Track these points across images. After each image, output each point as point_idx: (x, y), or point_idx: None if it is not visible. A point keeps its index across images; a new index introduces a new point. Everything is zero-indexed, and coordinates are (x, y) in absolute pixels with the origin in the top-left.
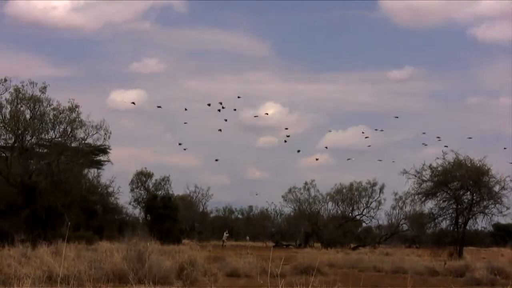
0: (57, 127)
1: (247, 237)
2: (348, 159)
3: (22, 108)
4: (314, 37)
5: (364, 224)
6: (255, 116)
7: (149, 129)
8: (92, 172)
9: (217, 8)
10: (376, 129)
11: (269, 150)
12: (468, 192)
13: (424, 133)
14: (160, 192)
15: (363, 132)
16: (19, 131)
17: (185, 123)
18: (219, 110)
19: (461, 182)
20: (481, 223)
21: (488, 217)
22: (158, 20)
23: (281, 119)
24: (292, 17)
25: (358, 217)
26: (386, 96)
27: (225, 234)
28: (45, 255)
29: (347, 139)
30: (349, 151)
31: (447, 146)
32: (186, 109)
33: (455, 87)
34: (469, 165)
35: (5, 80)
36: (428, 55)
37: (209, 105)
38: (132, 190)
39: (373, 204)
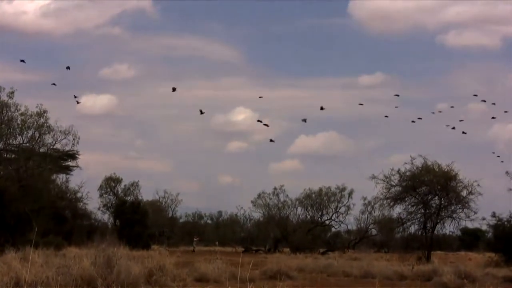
0: (25, 132)
1: (216, 243)
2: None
3: None
4: (285, 44)
5: (333, 229)
6: (259, 120)
7: (119, 135)
8: (60, 178)
9: (189, 15)
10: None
11: (239, 155)
12: (436, 197)
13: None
14: (129, 198)
15: (361, 104)
16: None
17: (174, 89)
18: (201, 112)
19: (429, 187)
20: (449, 228)
21: (456, 222)
22: (130, 25)
23: (251, 124)
24: (264, 24)
25: (327, 222)
26: (357, 102)
27: (195, 240)
28: (13, 261)
29: (317, 144)
30: (319, 156)
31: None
32: (174, 89)
33: (426, 93)
34: (437, 170)
35: None
36: (399, 62)
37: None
38: (101, 195)
39: (342, 209)
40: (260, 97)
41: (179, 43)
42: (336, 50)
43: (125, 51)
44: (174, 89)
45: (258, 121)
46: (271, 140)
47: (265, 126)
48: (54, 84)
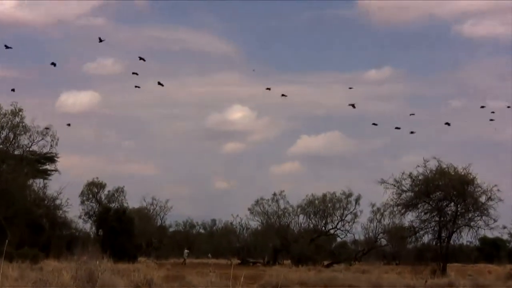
0: None
1: (209, 254)
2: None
3: None
4: (285, 37)
5: (338, 239)
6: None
7: (103, 136)
8: (37, 183)
9: (181, 5)
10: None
11: (235, 157)
12: (452, 203)
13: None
14: (113, 205)
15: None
16: None
17: (160, 84)
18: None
19: (444, 192)
20: (466, 237)
21: (474, 230)
22: (114, 16)
23: (249, 123)
24: (262, 16)
25: (332, 231)
26: (363, 99)
27: (186, 251)
28: None
29: (320, 145)
30: (323, 158)
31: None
32: (160, 84)
33: (438, 89)
34: (453, 173)
35: None
36: (409, 55)
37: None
38: (82, 202)
39: (349, 217)
40: (267, 88)
41: (170, 36)
42: (340, 43)
43: (110, 44)
44: (160, 84)
45: (350, 105)
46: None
47: (258, 126)
48: (53, 64)
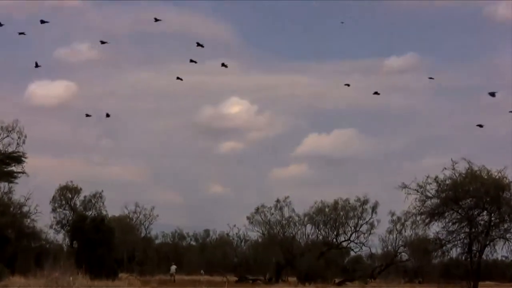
0: None
1: (202, 271)
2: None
3: None
4: (291, 18)
5: (352, 253)
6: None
7: (78, 133)
8: (2, 187)
9: None
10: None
11: (232, 158)
12: (485, 212)
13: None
14: (90, 212)
15: (376, 93)
16: None
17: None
18: None
19: (475, 199)
20: (501, 251)
21: (510, 243)
22: None
23: (248, 119)
24: None
25: (344, 243)
26: (382, 91)
27: (173, 267)
28: None
29: (331, 145)
30: (334, 160)
31: None
32: (224, 65)
33: (469, 80)
34: (486, 177)
35: None
36: (435, 40)
37: None
38: (54, 210)
39: (364, 227)
40: (223, 65)
41: (154, 16)
42: (355, 26)
43: (86, 27)
44: (224, 65)
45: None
46: (223, 65)
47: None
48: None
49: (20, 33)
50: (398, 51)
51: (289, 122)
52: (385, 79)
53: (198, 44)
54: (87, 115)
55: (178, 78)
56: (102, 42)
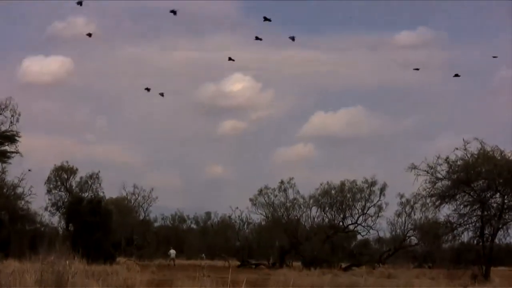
0: None
1: (203, 254)
2: None
3: None
4: None
5: (359, 237)
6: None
7: (74, 112)
8: None
9: None
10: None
11: (234, 138)
12: (498, 194)
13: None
14: (86, 194)
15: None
16: None
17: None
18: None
19: (488, 181)
20: None
21: None
22: None
23: (252, 97)
24: None
25: (351, 227)
26: (391, 68)
27: (172, 251)
28: None
29: (338, 124)
30: (341, 140)
31: None
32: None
33: (484, 57)
34: (499, 158)
35: None
36: (450, 14)
37: (147, 89)
38: (49, 191)
39: (372, 210)
40: (230, 59)
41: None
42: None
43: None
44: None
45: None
46: (230, 59)
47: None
48: None
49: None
50: (408, 26)
51: (295, 100)
52: (395, 55)
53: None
54: (147, 89)
55: (230, 58)
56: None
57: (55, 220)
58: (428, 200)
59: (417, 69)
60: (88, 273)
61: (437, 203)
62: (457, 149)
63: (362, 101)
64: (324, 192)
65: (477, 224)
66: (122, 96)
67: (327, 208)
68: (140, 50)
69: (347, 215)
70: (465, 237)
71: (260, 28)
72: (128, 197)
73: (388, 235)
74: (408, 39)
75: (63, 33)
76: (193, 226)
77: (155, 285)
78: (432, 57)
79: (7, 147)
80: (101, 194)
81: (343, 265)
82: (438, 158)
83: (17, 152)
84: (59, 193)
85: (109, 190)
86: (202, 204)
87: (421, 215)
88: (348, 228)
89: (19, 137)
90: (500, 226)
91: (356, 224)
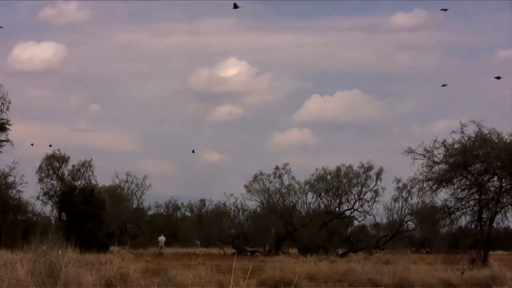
0: None
1: (197, 242)
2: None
3: None
4: None
5: (355, 222)
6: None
7: (66, 99)
8: None
9: None
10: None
11: (229, 124)
12: (496, 178)
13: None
14: (79, 183)
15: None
16: None
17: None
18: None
19: (485, 164)
20: None
21: None
22: None
23: (247, 82)
24: None
25: (347, 212)
26: (387, 49)
27: (161, 238)
28: None
29: (334, 108)
30: (337, 124)
31: None
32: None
33: (481, 39)
34: (497, 141)
35: None
36: None
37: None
38: (41, 180)
39: (368, 195)
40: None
41: None
42: None
43: None
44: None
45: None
46: (235, 6)
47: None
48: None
49: None
50: (404, 8)
51: (290, 85)
52: (390, 37)
53: None
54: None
55: (235, 6)
56: None
57: (47, 209)
58: (425, 185)
59: (445, 10)
60: (81, 262)
61: (434, 187)
62: (454, 132)
63: (358, 85)
64: (319, 177)
65: (475, 208)
66: (115, 82)
67: (323, 194)
68: (133, 35)
69: (343, 200)
70: (463, 221)
71: (256, 12)
72: (121, 185)
73: (385, 220)
74: (403, 21)
75: (53, 19)
76: (187, 213)
77: (150, 273)
78: (429, 39)
79: None
80: (94, 182)
81: (340, 252)
82: (435, 141)
83: (7, 141)
84: (51, 181)
85: (102, 178)
86: (197, 191)
87: (418, 199)
88: (345, 214)
89: (9, 125)
90: (498, 210)
91: (353, 210)
